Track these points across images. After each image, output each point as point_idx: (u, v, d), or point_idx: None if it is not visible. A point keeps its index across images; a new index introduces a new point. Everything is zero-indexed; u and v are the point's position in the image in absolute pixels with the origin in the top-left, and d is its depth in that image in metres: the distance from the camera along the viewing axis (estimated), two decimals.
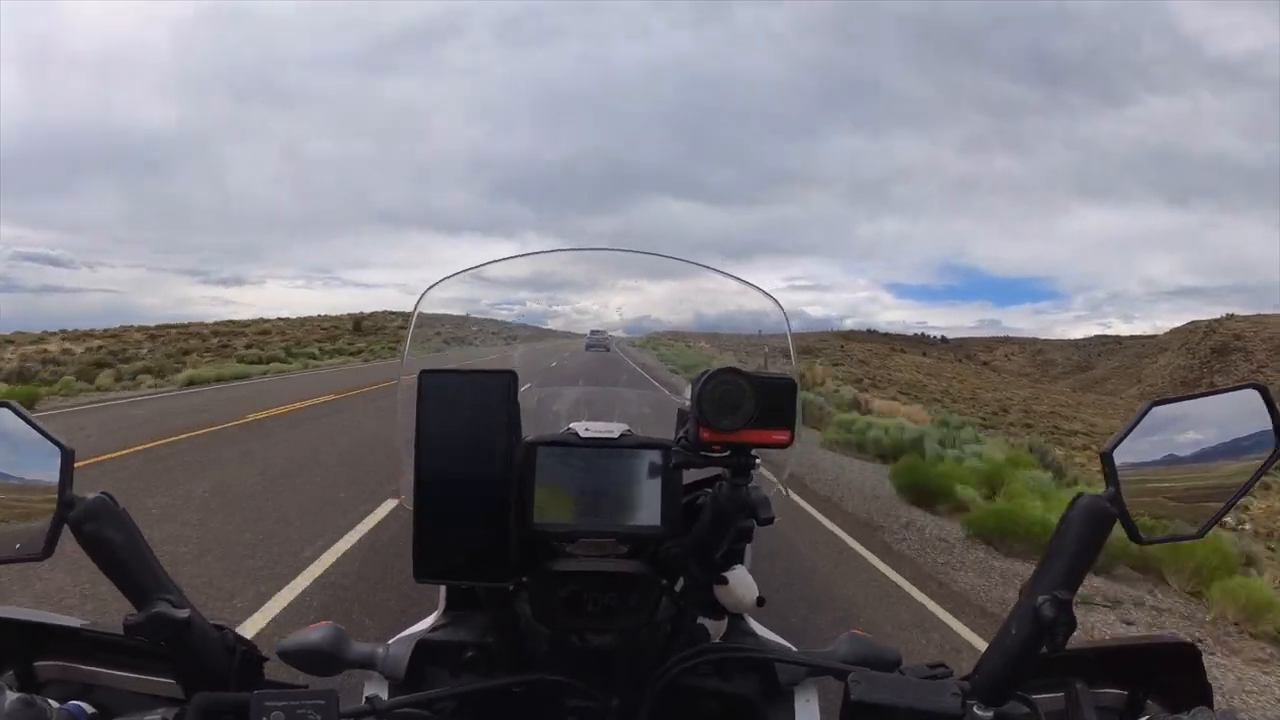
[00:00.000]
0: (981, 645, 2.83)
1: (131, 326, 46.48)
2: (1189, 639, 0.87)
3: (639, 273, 1.30)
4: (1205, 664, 0.84)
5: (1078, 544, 0.72)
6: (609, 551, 0.86)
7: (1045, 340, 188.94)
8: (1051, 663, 0.79)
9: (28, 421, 0.68)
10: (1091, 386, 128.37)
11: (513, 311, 1.35)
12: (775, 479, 1.04)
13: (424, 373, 0.79)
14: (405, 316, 1.09)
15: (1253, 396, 0.74)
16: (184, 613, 0.70)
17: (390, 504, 5.93)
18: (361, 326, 51.69)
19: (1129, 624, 4.72)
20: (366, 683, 0.91)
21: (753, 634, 0.99)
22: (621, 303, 1.37)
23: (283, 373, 24.00)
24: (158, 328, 47.56)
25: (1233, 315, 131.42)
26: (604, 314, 1.41)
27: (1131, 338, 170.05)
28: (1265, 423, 0.73)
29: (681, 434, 0.81)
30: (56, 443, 0.68)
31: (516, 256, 1.17)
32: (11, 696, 0.63)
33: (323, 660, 0.88)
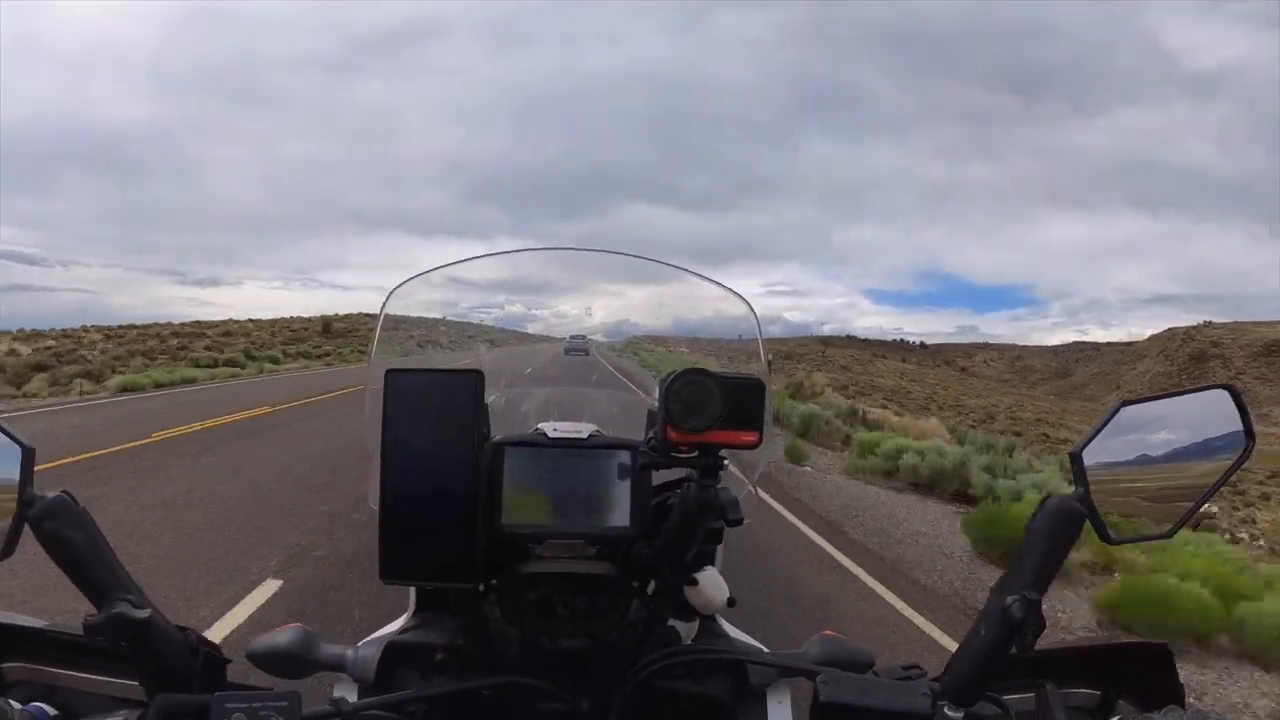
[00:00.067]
0: None
1: (91, 327, 44.89)
2: (1159, 640, 0.87)
3: (618, 277, 1.29)
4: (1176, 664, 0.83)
5: (1047, 544, 0.71)
6: (578, 553, 0.85)
7: (1023, 346, 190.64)
8: (1022, 663, 0.80)
9: None
10: (1070, 393, 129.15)
11: (491, 315, 1.33)
12: (746, 480, 1.03)
13: (390, 372, 0.78)
14: (386, 317, 1.04)
15: (1223, 397, 0.74)
16: (144, 613, 0.69)
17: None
18: (331, 328, 49.85)
19: None
20: (336, 685, 0.89)
21: (724, 635, 0.99)
22: (595, 305, 1.37)
23: (234, 377, 22.56)
24: (120, 328, 46.06)
25: (1210, 323, 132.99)
26: (583, 318, 1.40)
27: (1108, 344, 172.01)
28: (1235, 423, 0.73)
29: (650, 435, 0.83)
30: (17, 441, 0.69)
31: (486, 256, 1.15)
32: None
33: (291, 663, 0.87)
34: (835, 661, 0.86)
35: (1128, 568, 6.03)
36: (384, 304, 1.02)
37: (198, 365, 25.73)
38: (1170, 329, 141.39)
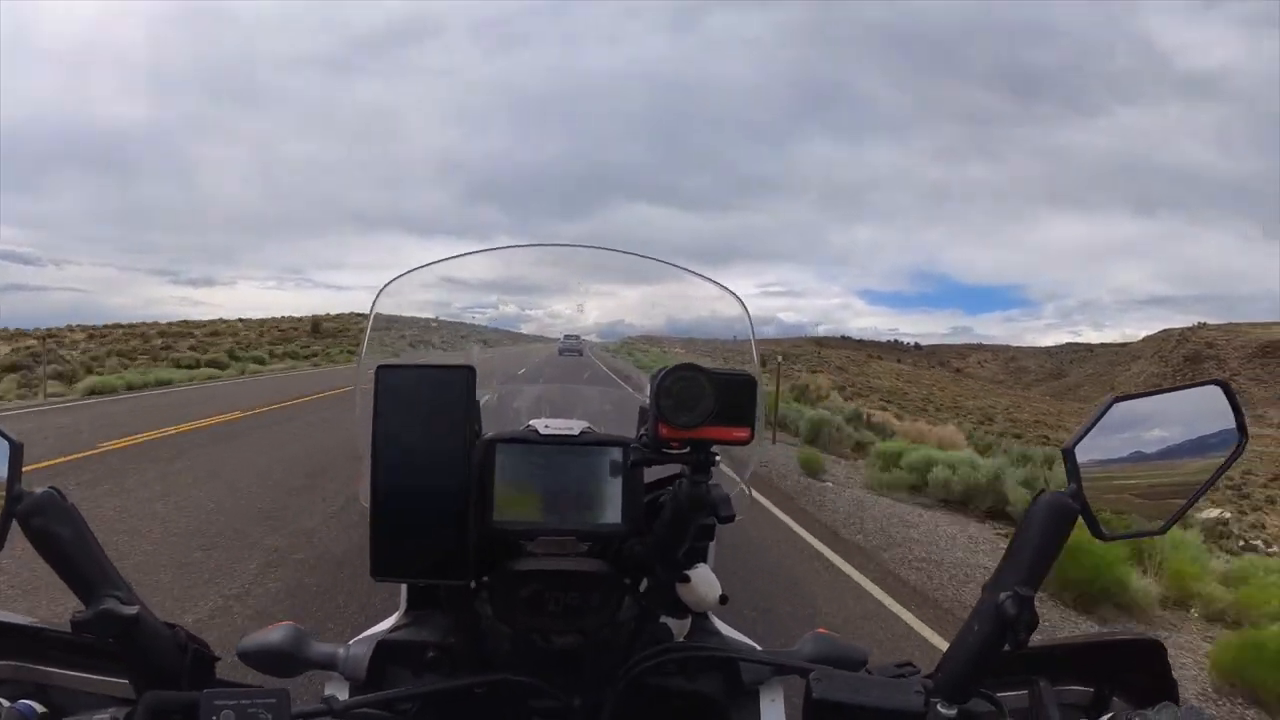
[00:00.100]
0: None
1: (76, 326, 44.07)
2: (1153, 635, 0.87)
3: (612, 277, 1.29)
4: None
5: (1040, 540, 0.71)
6: (570, 550, 0.84)
7: (1017, 347, 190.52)
8: (1016, 660, 0.79)
9: None
10: (1065, 394, 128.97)
11: (485, 315, 1.32)
12: (738, 477, 1.02)
13: (380, 368, 0.78)
14: (376, 316, 1.03)
15: (1215, 393, 0.74)
16: (132, 609, 0.69)
17: None
18: (320, 328, 48.92)
19: None
20: (327, 684, 0.88)
21: (717, 633, 0.98)
22: (589, 306, 1.35)
23: (213, 379, 21.82)
24: (105, 327, 45.29)
25: (1205, 324, 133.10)
26: (577, 318, 1.40)
27: (1102, 345, 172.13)
28: (1228, 419, 0.73)
29: (642, 431, 0.81)
30: (6, 437, 0.69)
31: (479, 251, 1.13)
32: None
33: (282, 661, 0.86)
34: (828, 659, 0.85)
35: (1207, 601, 5.24)
36: (374, 302, 1.00)
37: (178, 366, 25.07)
38: (1165, 330, 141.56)
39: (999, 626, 0.69)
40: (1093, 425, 0.72)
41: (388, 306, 1.01)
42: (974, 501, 7.97)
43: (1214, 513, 11.99)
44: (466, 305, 1.25)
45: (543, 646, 0.87)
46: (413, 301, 1.07)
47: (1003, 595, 0.69)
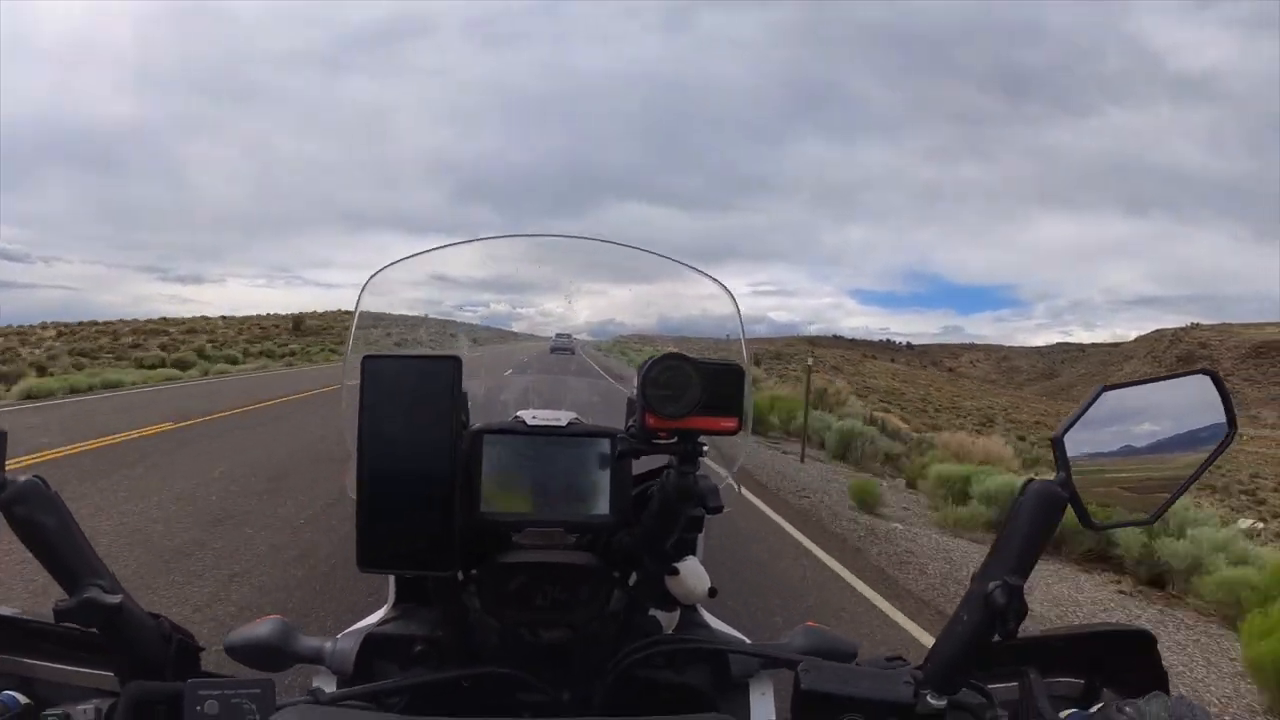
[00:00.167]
0: None
1: (51, 324, 42.70)
2: (1143, 626, 0.86)
3: (604, 275, 1.28)
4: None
5: (1029, 529, 0.70)
6: (558, 542, 0.85)
7: (1009, 347, 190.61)
8: (1006, 651, 0.78)
9: None
10: (1058, 393, 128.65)
11: (476, 313, 1.32)
12: (726, 472, 1.01)
13: (366, 358, 0.77)
14: (362, 314, 1.00)
15: (1204, 382, 0.74)
16: (116, 598, 0.69)
17: None
18: (302, 326, 47.06)
19: None
20: (314, 677, 0.88)
21: (705, 626, 0.98)
22: (580, 304, 1.32)
23: (171, 380, 19.77)
24: (79, 325, 43.78)
25: (1198, 324, 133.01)
26: (568, 317, 1.37)
27: (1093, 345, 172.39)
28: (1217, 408, 0.73)
29: (630, 423, 0.81)
30: None
31: (466, 241, 1.09)
32: None
33: (269, 655, 0.86)
34: (818, 652, 0.85)
35: None
36: (359, 298, 0.98)
37: (141, 366, 23.31)
38: (1158, 330, 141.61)
39: (988, 616, 0.68)
40: (1082, 413, 0.72)
41: (375, 304, 1.00)
42: (1068, 543, 6.45)
43: (1245, 523, 10.75)
44: (457, 303, 1.25)
45: (531, 639, 0.86)
46: (401, 299, 1.06)
47: (991, 585, 0.68)
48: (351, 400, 0.78)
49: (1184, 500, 6.71)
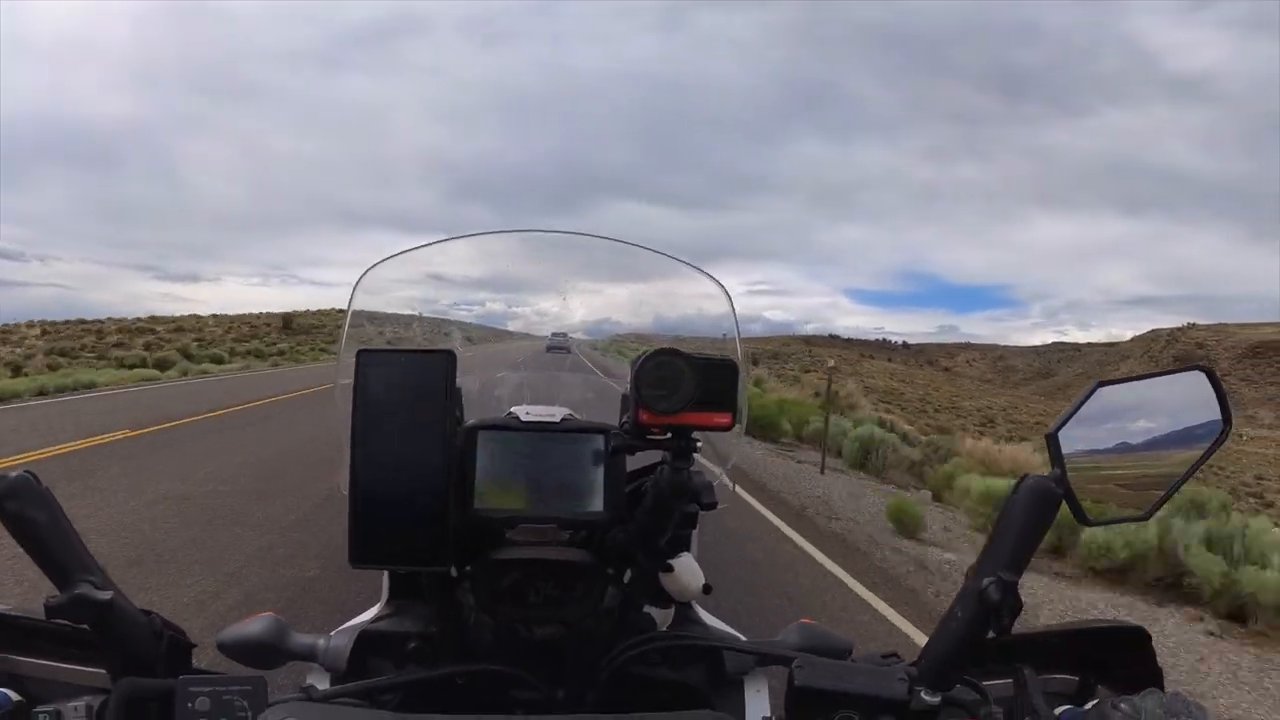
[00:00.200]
0: None
1: (38, 322, 42.34)
2: (1137, 624, 0.86)
3: (600, 274, 1.28)
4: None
5: (1023, 525, 0.70)
6: (552, 538, 0.84)
7: (1005, 347, 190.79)
8: (1000, 647, 0.78)
9: None
10: (1055, 393, 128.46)
11: (471, 312, 1.31)
12: (720, 470, 1.00)
13: (361, 352, 0.77)
14: (355, 313, 0.99)
15: (1199, 379, 0.74)
16: (107, 594, 0.69)
17: None
18: (292, 324, 46.15)
19: None
20: (308, 675, 0.87)
21: (700, 623, 0.97)
22: (576, 303, 1.31)
23: (148, 380, 18.74)
24: (66, 323, 43.33)
25: (1194, 324, 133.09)
26: (564, 316, 1.35)
27: (1089, 345, 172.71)
28: (1212, 405, 0.73)
29: (624, 419, 0.81)
30: None
31: (460, 237, 1.09)
32: None
33: (263, 652, 0.85)
34: (812, 649, 0.85)
35: None
36: (352, 295, 0.97)
37: (122, 365, 22.55)
38: (1154, 330, 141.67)
39: (982, 612, 0.68)
40: (1077, 409, 0.72)
41: (369, 303, 0.99)
42: (1135, 570, 5.72)
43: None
44: (452, 301, 1.24)
45: (525, 636, 0.86)
46: (395, 298, 1.05)
47: (986, 581, 0.68)
48: (345, 397, 0.78)
49: (1263, 523, 5.99)
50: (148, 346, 31.13)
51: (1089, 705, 0.71)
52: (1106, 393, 0.73)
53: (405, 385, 0.75)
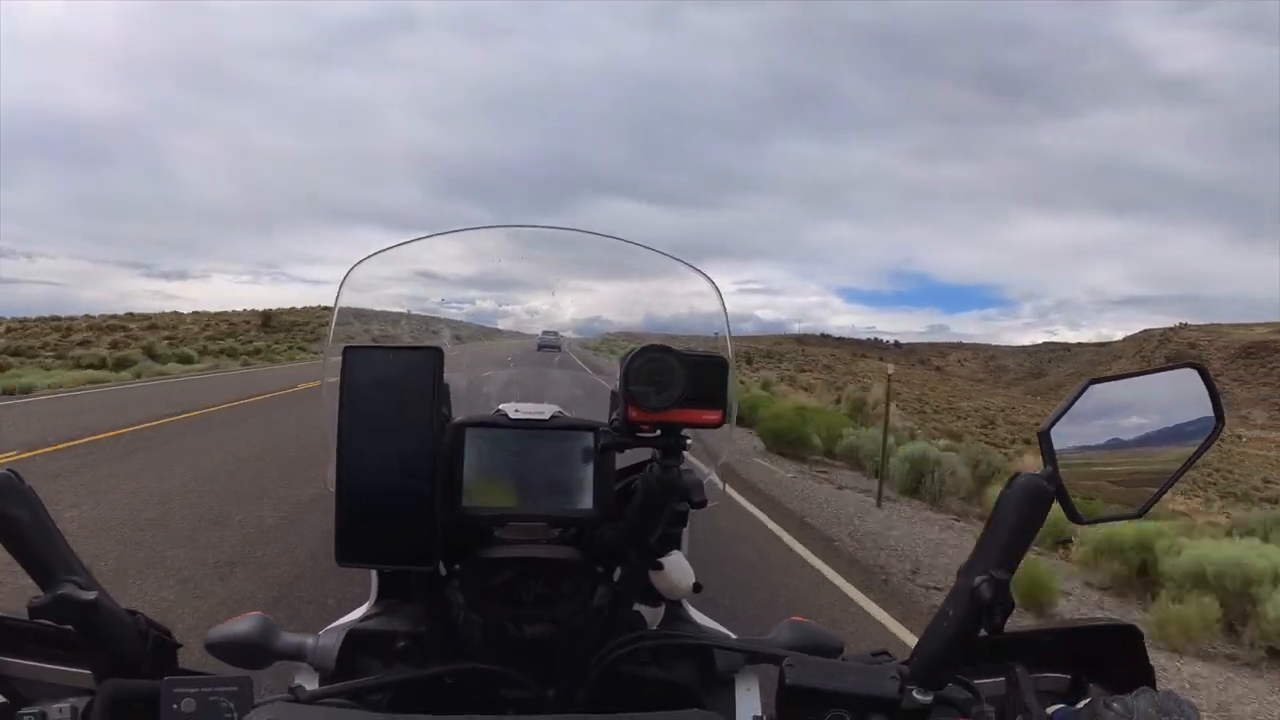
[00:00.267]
0: None
1: (4, 319, 40.67)
2: (1130, 622, 0.83)
3: (590, 272, 1.27)
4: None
5: (1015, 523, 0.70)
6: (541, 536, 0.84)
7: (996, 346, 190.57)
8: (992, 646, 0.78)
9: None
10: (1047, 393, 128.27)
11: (461, 310, 1.30)
12: (710, 469, 1.00)
13: (348, 348, 0.77)
14: (341, 310, 0.98)
15: (1191, 376, 0.74)
16: (91, 594, 0.68)
17: None
18: (271, 322, 44.41)
19: None
20: (296, 675, 0.86)
21: (691, 621, 0.97)
22: (567, 302, 1.32)
23: (95, 383, 16.79)
24: (35, 321, 41.60)
25: (1186, 325, 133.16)
26: (555, 314, 1.36)
27: (1079, 345, 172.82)
28: (1204, 402, 0.73)
29: (613, 416, 0.81)
30: None
31: (448, 232, 1.07)
32: None
33: (251, 652, 0.85)
34: (803, 647, 0.85)
35: None
36: (338, 293, 0.96)
37: (79, 366, 20.86)
38: (1146, 330, 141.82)
39: (974, 611, 0.67)
40: (1069, 407, 0.72)
41: (356, 300, 0.98)
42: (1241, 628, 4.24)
43: None
44: (441, 299, 1.23)
45: (515, 635, 0.85)
46: (382, 295, 1.05)
47: (978, 579, 0.67)
48: (332, 394, 0.78)
49: None
50: (114, 345, 29.42)
51: (1081, 704, 0.71)
52: (1099, 390, 0.73)
53: (392, 381, 0.74)
